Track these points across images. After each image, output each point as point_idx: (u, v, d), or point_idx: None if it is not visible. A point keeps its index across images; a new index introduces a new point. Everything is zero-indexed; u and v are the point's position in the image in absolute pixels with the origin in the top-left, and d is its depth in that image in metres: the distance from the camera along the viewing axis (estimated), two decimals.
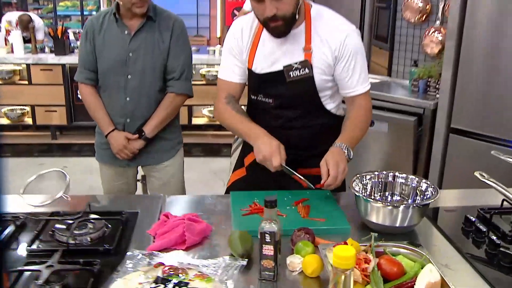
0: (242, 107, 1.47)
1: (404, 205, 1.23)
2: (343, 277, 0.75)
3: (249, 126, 1.39)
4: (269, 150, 1.30)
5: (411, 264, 1.04)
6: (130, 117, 1.76)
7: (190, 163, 3.97)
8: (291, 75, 1.38)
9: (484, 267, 1.12)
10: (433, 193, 1.26)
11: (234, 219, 1.27)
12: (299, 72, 1.37)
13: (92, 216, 1.23)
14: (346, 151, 1.32)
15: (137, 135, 1.78)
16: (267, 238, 1.03)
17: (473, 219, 1.31)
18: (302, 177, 1.31)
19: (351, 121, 1.42)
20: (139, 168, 1.91)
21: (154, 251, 1.12)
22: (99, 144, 1.85)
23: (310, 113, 1.45)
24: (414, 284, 0.97)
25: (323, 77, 1.39)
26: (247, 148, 1.53)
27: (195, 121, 4.49)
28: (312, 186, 1.30)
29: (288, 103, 1.43)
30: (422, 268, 1.00)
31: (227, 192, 1.56)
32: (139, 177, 1.91)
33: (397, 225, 1.22)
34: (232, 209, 1.33)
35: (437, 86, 2.79)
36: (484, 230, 1.27)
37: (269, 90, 1.42)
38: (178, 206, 1.41)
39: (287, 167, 1.31)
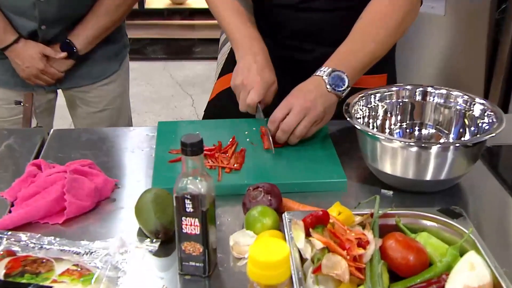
0: None
1: (440, 144, 1.12)
2: None
3: (245, 31, 1.32)
4: (251, 79, 1.24)
5: (441, 248, 0.90)
6: (45, 20, 1.63)
7: (141, 72, 3.92)
8: None
9: None
10: (494, 121, 1.13)
11: (155, 165, 1.17)
12: None
13: None
14: (329, 85, 1.20)
15: (64, 53, 1.66)
16: (188, 206, 0.85)
17: None
18: (270, 137, 1.23)
19: (362, 22, 1.28)
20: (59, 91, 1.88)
21: (3, 230, 0.96)
22: None
23: None
24: (444, 286, 0.82)
25: None
26: None
27: (151, 3, 4.33)
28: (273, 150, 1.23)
29: None
30: (460, 258, 0.86)
31: (207, 112, 1.55)
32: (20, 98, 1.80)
33: (428, 177, 1.07)
34: (156, 148, 1.23)
35: None
36: None
37: None
38: (69, 147, 1.27)
39: (262, 113, 1.24)
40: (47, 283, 0.81)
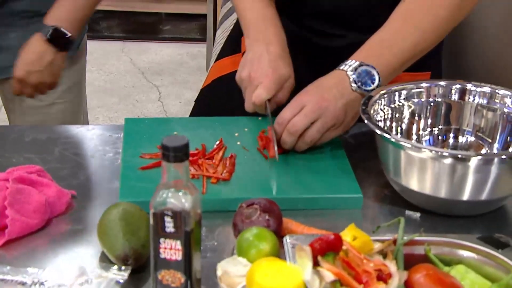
0: None
1: (481, 155, 1.17)
2: None
3: (260, 11, 1.37)
4: (261, 71, 1.28)
5: (482, 286, 0.95)
6: None
7: (92, 55, 3.85)
8: None
9: None
10: None
11: (122, 174, 1.22)
12: None
13: None
14: (354, 82, 1.25)
15: None
16: (168, 226, 0.90)
17: None
18: (275, 142, 1.28)
19: (406, 7, 1.32)
20: None
21: None
22: None
23: None
24: None
25: None
26: None
27: None
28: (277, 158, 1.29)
29: None
30: None
31: (197, 103, 1.62)
32: None
33: (465, 197, 1.13)
34: (123, 152, 1.28)
35: None
36: None
37: None
38: (8, 149, 1.32)
39: (269, 113, 1.29)
40: None
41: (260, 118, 1.36)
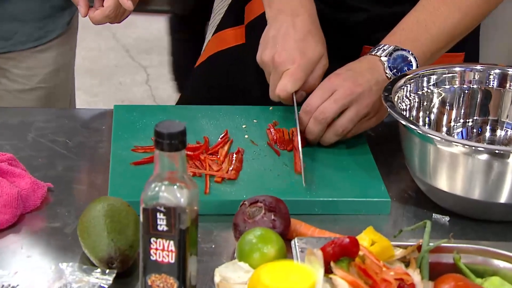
0: None
1: None
2: None
3: None
4: (287, 55, 1.30)
5: None
6: None
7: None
8: None
9: None
10: None
11: (112, 169, 1.25)
12: None
13: None
14: (389, 69, 1.30)
15: None
16: (160, 224, 0.93)
17: None
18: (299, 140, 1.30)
19: None
20: None
21: None
22: None
23: None
24: None
25: None
26: None
27: None
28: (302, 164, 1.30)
29: None
30: None
31: (189, 85, 1.67)
32: None
33: (502, 200, 1.16)
34: (112, 144, 1.31)
35: None
36: None
37: None
38: None
39: (296, 106, 1.32)
40: None
41: (271, 108, 1.39)
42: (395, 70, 1.29)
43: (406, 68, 1.29)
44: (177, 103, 1.66)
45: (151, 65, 3.73)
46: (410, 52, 1.30)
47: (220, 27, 1.65)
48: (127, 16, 1.61)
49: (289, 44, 1.32)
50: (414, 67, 1.30)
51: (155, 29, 4.07)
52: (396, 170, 1.27)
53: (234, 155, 1.26)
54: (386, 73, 1.28)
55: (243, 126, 1.36)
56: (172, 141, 0.90)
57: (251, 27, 1.58)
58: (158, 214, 0.92)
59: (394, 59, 1.29)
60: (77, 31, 1.98)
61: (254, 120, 1.38)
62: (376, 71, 1.29)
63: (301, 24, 1.33)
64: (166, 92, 3.56)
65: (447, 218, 1.16)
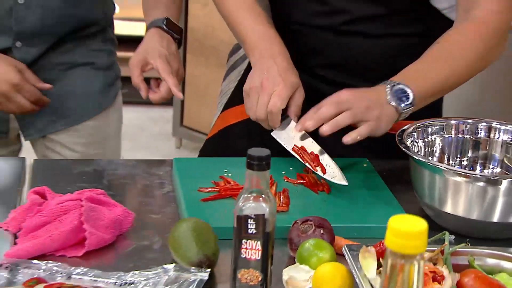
0: None
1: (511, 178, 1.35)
2: (407, 268, 0.81)
3: (263, 32, 1.53)
4: (272, 80, 1.44)
5: None
6: (23, 34, 1.84)
7: None
8: None
9: None
10: None
11: (185, 203, 1.39)
12: None
13: None
14: (390, 95, 1.42)
15: (49, 85, 1.86)
16: (251, 228, 1.09)
17: None
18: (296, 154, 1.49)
19: (440, 46, 1.52)
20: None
21: (19, 259, 1.19)
22: None
23: (400, 11, 1.59)
24: None
25: None
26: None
27: None
28: (320, 173, 1.45)
29: None
30: None
31: (202, 154, 1.77)
32: None
33: (495, 219, 1.34)
34: (181, 187, 1.45)
35: None
36: None
37: None
38: (56, 176, 1.52)
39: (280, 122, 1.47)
40: None
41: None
42: (395, 98, 1.41)
43: (404, 98, 1.41)
44: None
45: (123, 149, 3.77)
46: (409, 87, 1.41)
47: (227, 106, 1.77)
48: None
49: (273, 73, 1.43)
50: (411, 99, 1.41)
51: (125, 118, 4.13)
52: (404, 202, 1.41)
53: (282, 193, 1.42)
54: (387, 98, 1.41)
55: (283, 172, 1.50)
56: (261, 162, 1.05)
57: None
58: (249, 220, 1.06)
59: (396, 90, 1.41)
60: (121, 103, 2.11)
61: (291, 168, 1.52)
62: (380, 97, 1.42)
63: (280, 63, 1.45)
64: None
65: (452, 237, 1.25)
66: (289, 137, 1.48)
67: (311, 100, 1.48)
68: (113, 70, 2.05)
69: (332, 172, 1.44)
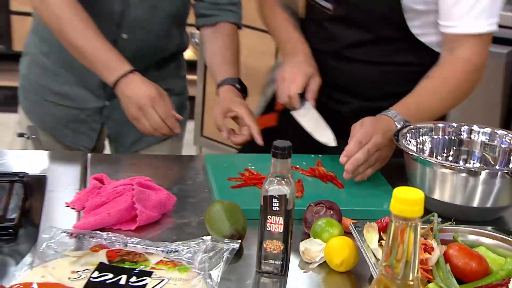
0: None
1: (488, 169, 1.53)
2: (407, 231, 0.91)
3: (290, 35, 1.81)
4: (290, 72, 1.70)
5: (499, 261, 1.25)
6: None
7: None
8: None
9: None
10: None
11: (217, 189, 1.56)
12: None
13: None
14: (396, 125, 1.59)
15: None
16: (275, 205, 1.23)
17: None
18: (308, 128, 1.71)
19: (432, 81, 1.67)
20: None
21: (86, 230, 1.36)
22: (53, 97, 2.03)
23: (390, 41, 1.78)
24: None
25: None
26: None
27: None
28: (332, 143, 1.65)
29: (354, 16, 1.76)
30: None
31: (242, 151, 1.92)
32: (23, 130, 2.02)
33: (475, 204, 1.50)
34: (213, 177, 1.63)
35: None
36: None
37: None
38: (111, 167, 1.71)
39: (312, 106, 1.71)
40: (147, 269, 1.20)
41: (313, 156, 1.72)
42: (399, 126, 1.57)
43: (402, 123, 1.59)
44: None
45: None
46: (409, 121, 1.61)
47: (261, 114, 1.95)
48: None
49: (290, 67, 1.72)
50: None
51: None
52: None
53: (297, 183, 1.57)
54: (396, 128, 1.57)
55: (297, 166, 1.68)
56: (284, 151, 1.20)
57: (283, 112, 1.89)
58: (273, 199, 1.22)
59: (398, 120, 1.60)
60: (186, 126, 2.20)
61: (304, 162, 1.70)
62: (391, 131, 1.58)
63: (298, 59, 1.72)
64: None
65: (439, 220, 1.34)
66: (303, 115, 1.72)
67: (320, 111, 1.74)
68: (185, 93, 2.20)
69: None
